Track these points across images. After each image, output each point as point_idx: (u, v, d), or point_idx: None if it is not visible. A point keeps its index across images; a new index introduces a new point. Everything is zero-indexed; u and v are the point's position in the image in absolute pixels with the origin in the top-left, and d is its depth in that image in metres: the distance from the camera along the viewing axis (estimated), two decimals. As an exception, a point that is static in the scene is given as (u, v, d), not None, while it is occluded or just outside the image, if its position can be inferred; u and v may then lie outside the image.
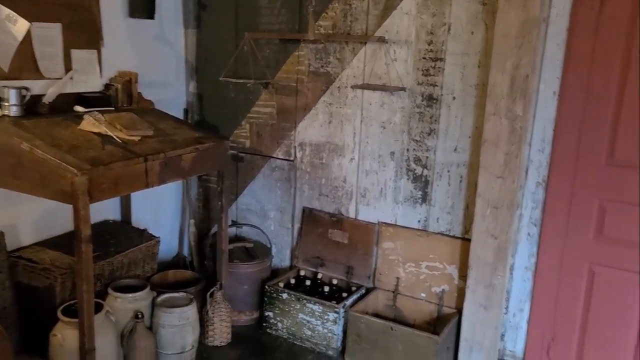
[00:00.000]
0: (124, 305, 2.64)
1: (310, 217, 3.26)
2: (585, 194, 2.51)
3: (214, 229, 3.30)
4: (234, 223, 3.47)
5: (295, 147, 3.26)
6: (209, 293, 2.92)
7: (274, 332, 3.08)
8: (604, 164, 2.46)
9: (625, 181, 2.41)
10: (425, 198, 2.92)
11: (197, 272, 3.31)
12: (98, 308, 2.44)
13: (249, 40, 3.11)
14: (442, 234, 2.90)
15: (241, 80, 3.11)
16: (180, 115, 3.48)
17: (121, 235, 2.95)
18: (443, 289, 2.90)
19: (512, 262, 2.71)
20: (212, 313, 2.91)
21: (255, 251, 3.29)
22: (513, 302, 2.76)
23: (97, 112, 2.61)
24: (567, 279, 2.61)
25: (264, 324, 3.11)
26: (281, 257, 3.40)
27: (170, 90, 3.45)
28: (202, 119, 3.55)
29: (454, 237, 2.86)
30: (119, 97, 2.94)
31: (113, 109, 2.85)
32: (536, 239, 2.66)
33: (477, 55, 2.65)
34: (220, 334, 2.94)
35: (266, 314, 3.09)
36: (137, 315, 2.57)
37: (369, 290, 3.06)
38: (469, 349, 2.74)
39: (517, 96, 2.47)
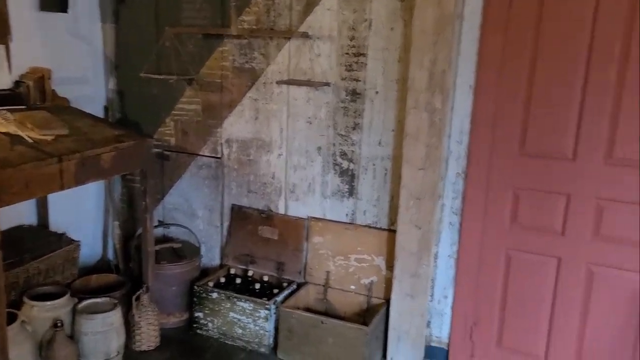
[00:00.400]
0: (42, 314, 2.52)
1: (239, 214, 3.23)
2: (500, 183, 2.64)
3: (140, 230, 3.20)
4: (161, 223, 3.38)
5: (222, 144, 3.22)
6: (134, 296, 2.83)
7: (204, 333, 3.03)
8: (516, 154, 2.59)
9: (535, 170, 2.55)
10: (352, 192, 2.96)
11: (123, 275, 3.20)
12: (12, 318, 2.31)
13: (171, 35, 3.03)
14: (369, 226, 2.95)
15: (163, 77, 3.03)
16: (100, 113, 3.34)
17: (37, 240, 2.80)
18: (372, 281, 2.96)
19: (435, 251, 2.80)
20: (139, 317, 2.82)
21: (184, 251, 3.22)
22: (438, 289, 2.85)
23: (5, 111, 2.46)
24: (487, 265, 2.73)
25: (194, 325, 3.05)
26: (211, 256, 3.35)
27: (88, 87, 3.30)
28: (124, 116, 3.42)
29: (380, 229, 2.92)
30: (30, 94, 2.78)
31: (24, 107, 2.70)
32: (457, 227, 2.77)
33: (397, 50, 2.71)
34: (147, 338, 2.86)
35: (196, 314, 3.03)
36: (55, 324, 2.46)
37: (300, 286, 3.07)
38: (397, 338, 2.81)
39: (435, 90, 2.55)
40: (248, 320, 2.90)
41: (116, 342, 2.65)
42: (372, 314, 2.85)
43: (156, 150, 3.24)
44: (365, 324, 2.75)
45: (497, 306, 2.74)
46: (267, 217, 3.16)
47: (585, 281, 2.53)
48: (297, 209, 3.10)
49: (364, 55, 2.79)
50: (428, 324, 2.88)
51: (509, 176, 2.61)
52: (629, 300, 2.46)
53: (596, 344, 2.56)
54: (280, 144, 3.07)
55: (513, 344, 2.74)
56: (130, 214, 3.51)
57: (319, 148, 2.99)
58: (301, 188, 3.07)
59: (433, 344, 2.90)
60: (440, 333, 2.88)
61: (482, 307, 2.77)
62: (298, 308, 2.91)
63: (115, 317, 2.64)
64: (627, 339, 2.50)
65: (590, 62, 2.37)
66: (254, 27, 2.97)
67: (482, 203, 2.68)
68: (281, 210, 3.14)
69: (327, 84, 2.87)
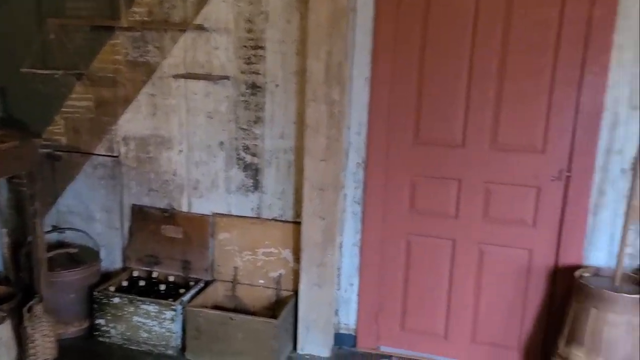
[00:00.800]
0: None
1: (140, 214, 3.11)
2: (398, 171, 2.73)
3: (31, 237, 2.98)
4: (55, 228, 3.17)
5: (118, 142, 3.07)
6: (25, 308, 2.64)
7: (107, 340, 2.89)
8: (411, 143, 2.69)
9: (429, 157, 2.68)
10: (256, 186, 2.94)
11: (14, 286, 2.97)
12: None
13: (55, 27, 2.84)
14: (275, 219, 2.95)
15: (48, 72, 2.84)
16: (-22, 112, 3.07)
17: None
18: (280, 274, 2.96)
19: (340, 241, 2.86)
20: (32, 329, 2.63)
21: (81, 256, 3.05)
22: (344, 278, 2.91)
23: None
24: (389, 251, 2.83)
25: (96, 333, 2.90)
26: (112, 259, 3.19)
27: (-38, 84, 3.02)
28: (8, 115, 3.16)
29: (286, 221, 2.93)
30: None
31: None
32: (360, 216, 2.84)
33: (295, 43, 2.72)
34: (43, 351, 2.67)
35: (97, 321, 2.88)
36: None
37: (207, 283, 3.02)
38: (306, 328, 2.84)
39: (333, 82, 2.59)
40: (153, 323, 2.81)
41: (6, 357, 2.46)
42: (282, 307, 2.86)
43: (45, 150, 3.03)
44: (275, 317, 2.75)
45: (400, 290, 2.85)
46: (170, 215, 3.06)
47: (477, 260, 2.70)
48: (201, 206, 3.04)
49: (262, 48, 2.77)
50: (336, 312, 2.93)
51: (405, 164, 2.72)
52: (516, 275, 2.66)
53: (489, 318, 2.74)
54: (181, 139, 2.98)
55: (416, 325, 2.86)
56: (19, 220, 3.25)
57: (221, 143, 2.94)
58: (204, 184, 3.01)
59: (341, 331, 2.96)
60: (348, 320, 2.95)
61: (387, 292, 2.87)
62: (206, 306, 2.85)
63: (4, 331, 2.45)
64: (515, 311, 2.69)
65: (474, 53, 2.52)
66: (146, 19, 2.85)
67: (382, 191, 2.77)
68: (184, 208, 3.06)
69: (226, 78, 2.83)
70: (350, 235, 2.87)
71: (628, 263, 2.47)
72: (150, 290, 2.95)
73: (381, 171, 2.74)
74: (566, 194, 2.50)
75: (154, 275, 3.04)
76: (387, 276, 2.85)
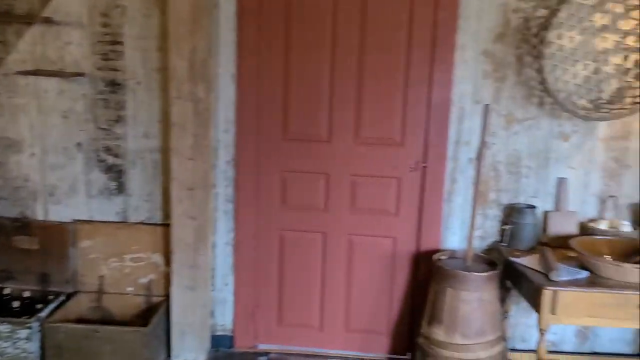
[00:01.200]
0: None
1: (-13, 226, 2.81)
2: (268, 168, 2.75)
3: None
4: None
5: (-43, 146, 2.75)
6: None
7: (-51, 369, 2.57)
8: (280, 139, 2.72)
9: (298, 153, 2.73)
10: (121, 188, 2.79)
11: None
12: None
13: None
14: (142, 223, 2.82)
15: None
16: None
17: None
18: (150, 279, 2.84)
19: (213, 240, 2.81)
20: None
21: None
22: (218, 278, 2.87)
23: None
24: (263, 248, 2.83)
25: None
26: (-46, 278, 2.85)
27: None
28: None
29: (155, 224, 2.82)
30: None
31: None
32: (232, 214, 2.81)
33: (156, 39, 2.63)
34: None
35: None
36: None
37: (70, 296, 2.81)
38: (180, 333, 2.75)
39: (198, 80, 2.53)
40: (6, 345, 2.54)
41: None
42: (153, 314, 2.74)
43: None
44: (146, 325, 2.63)
45: (275, 286, 2.87)
46: (23, 225, 2.80)
47: (347, 251, 2.80)
48: (60, 213, 2.82)
49: (120, 43, 2.64)
50: (212, 314, 2.87)
51: (275, 161, 2.74)
52: (383, 263, 2.80)
53: (360, 306, 2.85)
54: (32, 142, 2.75)
55: (292, 320, 2.90)
56: None
57: (79, 144, 2.75)
58: (62, 189, 2.80)
59: (218, 333, 2.91)
60: (224, 320, 2.91)
61: (262, 289, 2.87)
62: (68, 321, 2.65)
63: None
64: (383, 297, 2.83)
65: (335, 52, 2.61)
66: (-15, 9, 2.59)
67: (253, 188, 2.77)
68: (40, 216, 2.82)
69: (81, 75, 2.65)
70: (223, 234, 2.83)
71: (478, 244, 2.72)
72: (2, 308, 2.68)
73: (252, 168, 2.74)
74: (423, 183, 2.69)
75: (6, 291, 2.76)
76: (262, 273, 2.85)
